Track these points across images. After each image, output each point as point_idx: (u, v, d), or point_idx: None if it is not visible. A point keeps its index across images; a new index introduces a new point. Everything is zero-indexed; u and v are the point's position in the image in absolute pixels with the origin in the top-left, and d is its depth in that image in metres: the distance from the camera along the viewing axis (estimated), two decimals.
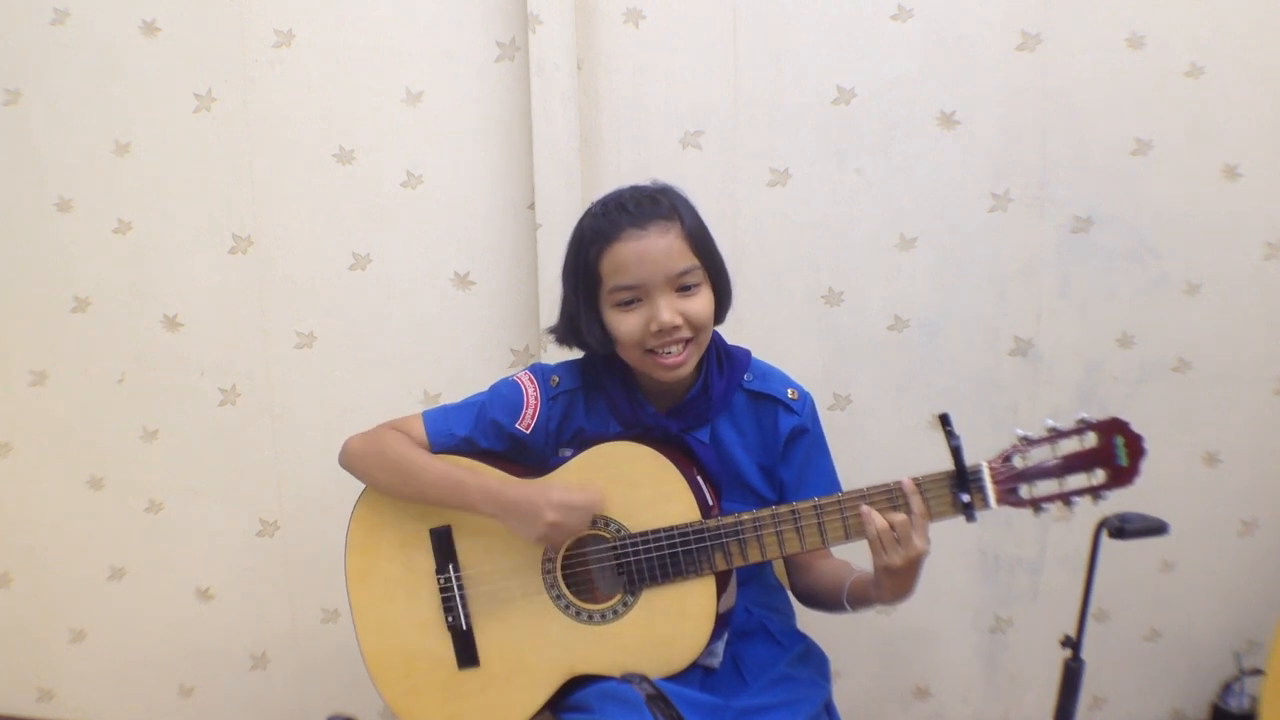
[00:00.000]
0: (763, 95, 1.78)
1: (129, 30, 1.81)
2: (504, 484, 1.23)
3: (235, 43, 1.80)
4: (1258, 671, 1.87)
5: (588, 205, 1.71)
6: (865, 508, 1.15)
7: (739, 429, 1.31)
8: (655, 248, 1.17)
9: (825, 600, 1.34)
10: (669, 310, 1.17)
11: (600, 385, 1.31)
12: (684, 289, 1.20)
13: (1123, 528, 1.13)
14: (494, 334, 1.87)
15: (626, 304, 1.20)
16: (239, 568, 1.97)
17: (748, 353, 1.35)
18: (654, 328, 1.18)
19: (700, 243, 1.21)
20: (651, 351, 1.21)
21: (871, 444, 1.85)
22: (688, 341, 1.21)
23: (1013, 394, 1.84)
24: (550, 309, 1.76)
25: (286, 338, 1.88)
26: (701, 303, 1.21)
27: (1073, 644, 1.20)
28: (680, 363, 1.21)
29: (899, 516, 1.13)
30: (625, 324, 1.20)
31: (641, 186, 1.25)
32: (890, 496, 1.16)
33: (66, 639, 2.03)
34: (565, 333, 1.30)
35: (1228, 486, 1.86)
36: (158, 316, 1.89)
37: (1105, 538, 1.14)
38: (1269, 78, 1.73)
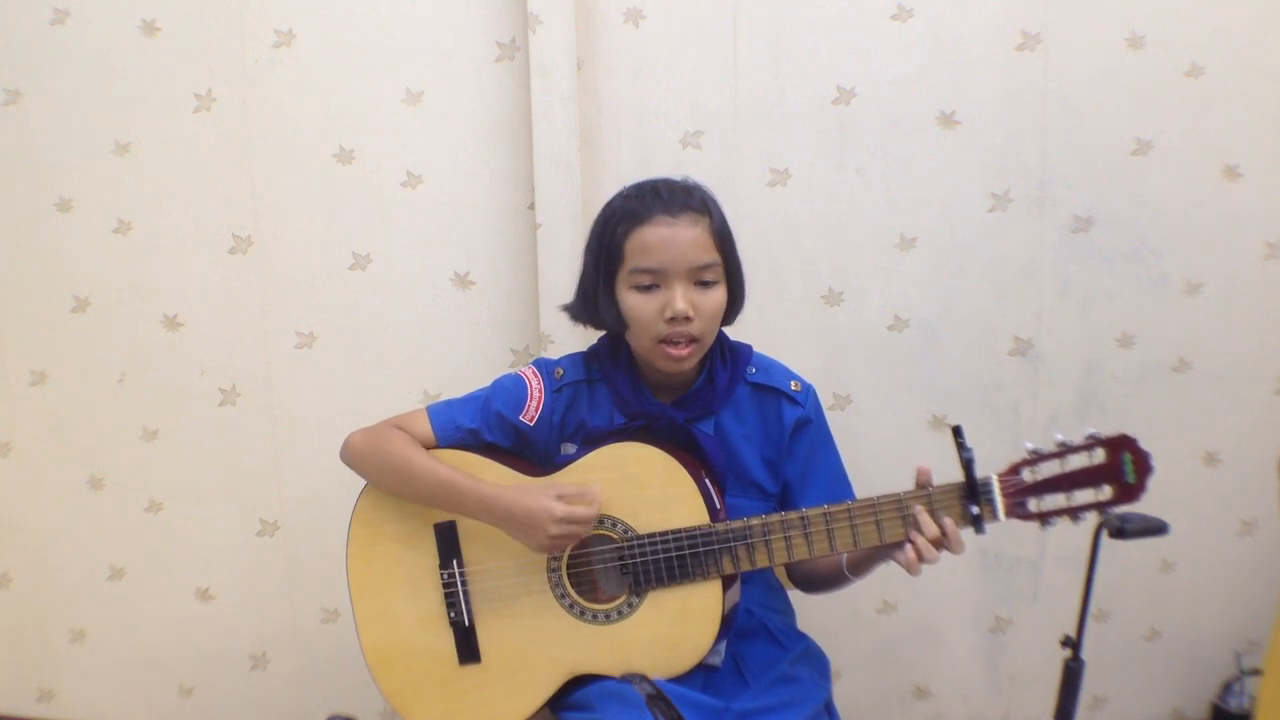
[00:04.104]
0: (763, 95, 1.78)
1: (129, 30, 1.81)
2: (500, 492, 1.22)
3: (235, 43, 1.80)
4: (1258, 672, 1.87)
5: (587, 205, 1.71)
6: (919, 509, 1.15)
7: (743, 421, 1.31)
8: (683, 237, 1.19)
9: (824, 575, 1.34)
10: (684, 299, 1.19)
11: (605, 377, 1.31)
12: (701, 283, 1.21)
13: (1123, 528, 1.13)
14: (494, 334, 1.87)
15: (645, 288, 1.21)
16: (239, 568, 1.97)
17: (749, 347, 1.36)
18: (668, 314, 1.19)
19: (724, 242, 1.24)
20: (662, 341, 1.21)
21: (871, 444, 1.85)
22: (692, 340, 1.22)
23: (1013, 394, 1.84)
24: (551, 309, 1.76)
25: (286, 338, 1.88)
26: (715, 299, 1.22)
27: (1073, 644, 1.20)
28: (683, 356, 1.22)
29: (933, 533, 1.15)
30: (641, 307, 1.21)
31: (675, 179, 1.27)
32: (900, 507, 1.16)
33: (66, 639, 2.03)
34: (580, 309, 1.31)
35: (1228, 486, 1.86)
36: (158, 316, 1.89)
37: (1105, 538, 1.15)
38: (1269, 78, 1.73)
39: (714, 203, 1.26)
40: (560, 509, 1.18)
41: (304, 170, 1.83)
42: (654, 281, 1.20)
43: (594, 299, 1.26)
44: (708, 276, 1.21)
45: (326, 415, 1.89)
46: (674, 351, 1.21)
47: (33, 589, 2.02)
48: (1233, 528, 1.88)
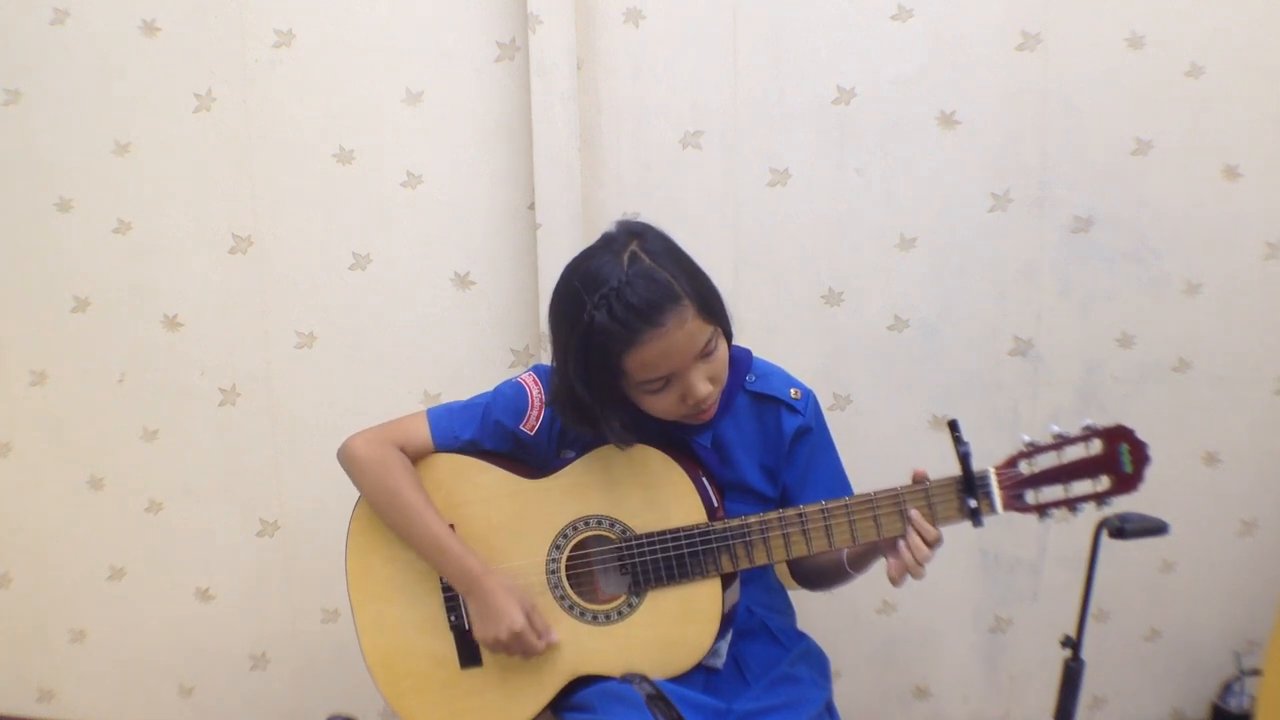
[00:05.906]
0: (763, 95, 1.77)
1: (129, 30, 1.81)
2: (484, 576, 1.23)
3: (235, 43, 1.80)
4: (1258, 672, 1.87)
5: (587, 205, 1.70)
6: (915, 513, 1.15)
7: (741, 431, 1.30)
8: (677, 339, 1.12)
9: (826, 571, 1.34)
10: (702, 383, 1.15)
11: None
12: (705, 355, 1.17)
13: (1123, 528, 1.13)
14: (494, 334, 1.87)
15: (657, 391, 1.17)
16: (239, 568, 1.97)
17: (748, 353, 1.35)
18: (691, 401, 1.17)
19: (706, 304, 1.15)
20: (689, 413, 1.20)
21: (871, 444, 1.84)
22: (714, 400, 1.21)
23: (1013, 394, 1.84)
24: None
25: (286, 338, 1.88)
26: (722, 356, 1.19)
27: (1073, 644, 1.20)
28: (713, 414, 1.22)
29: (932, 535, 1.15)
30: (661, 404, 1.18)
31: (636, 271, 1.11)
32: (898, 502, 1.16)
33: (66, 639, 2.03)
34: (582, 423, 1.22)
35: (1228, 486, 1.86)
36: (158, 316, 1.89)
37: (1105, 538, 1.15)
38: (1269, 78, 1.73)
39: (680, 275, 1.13)
40: (520, 624, 1.20)
41: (304, 170, 1.83)
42: (666, 382, 1.16)
43: (595, 416, 1.18)
44: (710, 347, 1.16)
45: (326, 415, 1.89)
46: (704, 416, 1.21)
47: (33, 589, 2.02)
48: (1233, 528, 1.88)
